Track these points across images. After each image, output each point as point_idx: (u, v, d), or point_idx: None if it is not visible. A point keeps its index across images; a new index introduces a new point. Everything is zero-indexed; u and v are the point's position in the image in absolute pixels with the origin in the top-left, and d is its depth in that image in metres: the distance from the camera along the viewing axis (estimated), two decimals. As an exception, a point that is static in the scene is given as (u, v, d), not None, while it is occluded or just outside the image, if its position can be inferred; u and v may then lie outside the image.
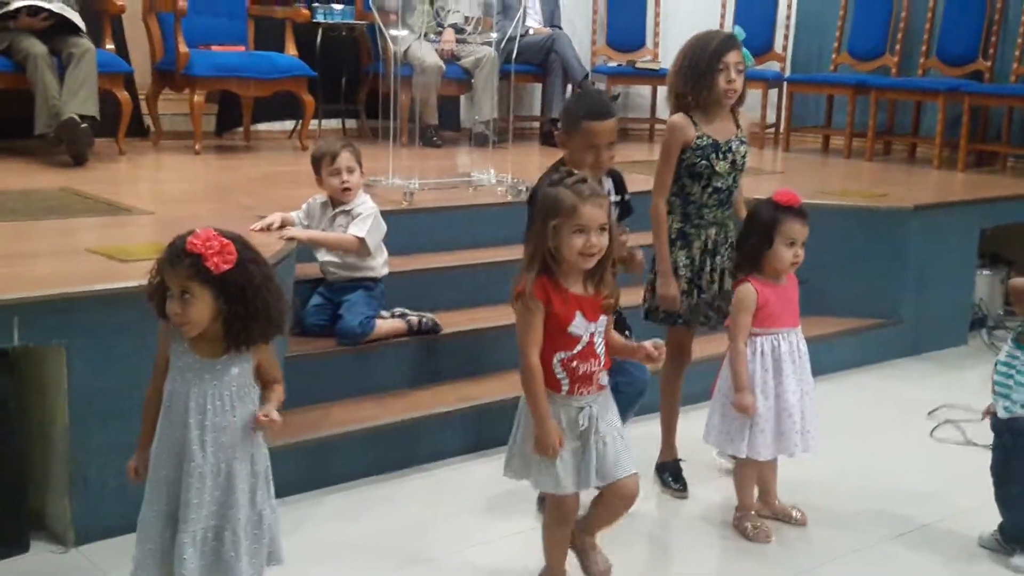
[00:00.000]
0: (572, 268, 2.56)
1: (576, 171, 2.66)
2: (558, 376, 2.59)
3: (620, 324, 3.04)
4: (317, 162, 3.78)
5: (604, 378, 2.64)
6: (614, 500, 2.73)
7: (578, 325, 2.57)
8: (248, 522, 2.29)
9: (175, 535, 2.25)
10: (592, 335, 2.59)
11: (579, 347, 2.57)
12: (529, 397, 2.58)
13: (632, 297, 3.35)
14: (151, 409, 2.31)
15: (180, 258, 2.16)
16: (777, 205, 3.12)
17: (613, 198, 3.15)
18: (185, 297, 2.16)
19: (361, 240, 3.73)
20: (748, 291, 3.13)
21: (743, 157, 3.37)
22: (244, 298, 2.19)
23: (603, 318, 2.62)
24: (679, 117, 3.32)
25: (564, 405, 2.60)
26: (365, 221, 3.74)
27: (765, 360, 3.14)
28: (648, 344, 2.68)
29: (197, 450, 2.23)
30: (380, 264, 3.86)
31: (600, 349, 2.62)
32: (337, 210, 3.80)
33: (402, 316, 3.89)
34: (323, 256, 3.86)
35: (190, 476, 2.23)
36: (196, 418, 2.24)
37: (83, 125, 5.12)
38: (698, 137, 3.30)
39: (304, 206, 3.87)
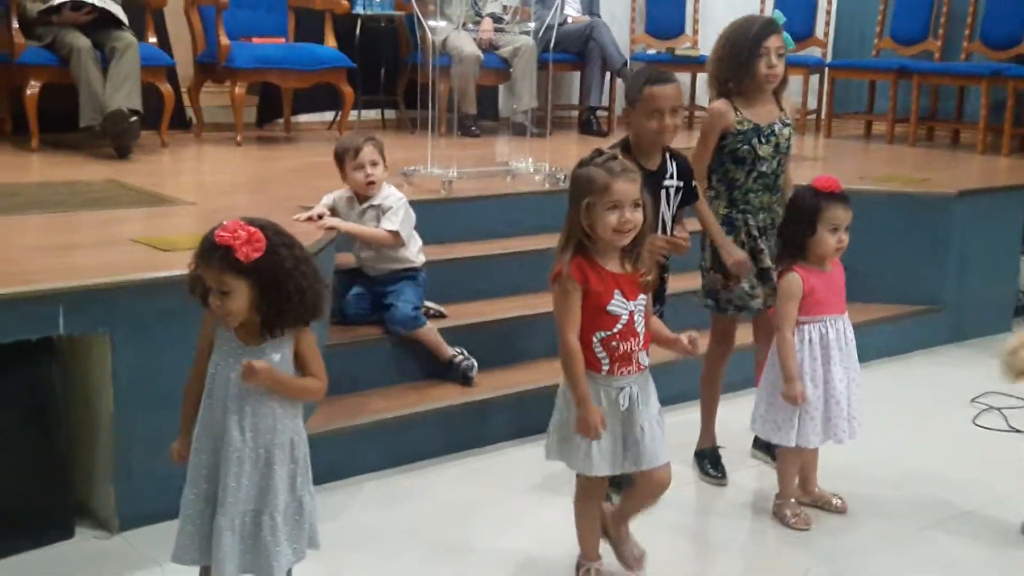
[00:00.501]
0: (608, 246, 2.57)
1: (613, 153, 2.64)
2: (598, 356, 2.58)
3: (657, 296, 3.04)
4: (340, 158, 3.77)
5: (644, 358, 2.64)
6: (646, 488, 2.74)
7: (617, 304, 2.57)
8: (288, 508, 2.32)
9: (214, 518, 2.28)
10: (631, 314, 2.58)
11: (619, 326, 2.57)
12: (569, 379, 2.59)
13: (676, 283, 3.36)
14: (193, 393, 2.35)
15: (211, 252, 2.18)
16: (818, 191, 3.10)
17: (676, 183, 3.15)
18: (222, 290, 2.19)
19: (395, 234, 3.73)
20: (793, 279, 3.12)
21: (787, 140, 3.36)
22: (276, 283, 2.21)
23: (643, 296, 2.61)
24: (720, 103, 3.32)
25: (604, 385, 2.60)
26: (396, 214, 3.74)
27: (813, 348, 3.12)
28: (684, 338, 2.67)
29: (236, 434, 2.26)
30: (415, 252, 3.86)
31: (640, 328, 2.61)
32: (365, 205, 3.78)
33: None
34: (361, 252, 3.86)
35: (228, 460, 2.26)
36: (236, 402, 2.27)
37: (132, 119, 5.18)
38: (739, 122, 3.29)
39: (327, 199, 3.84)
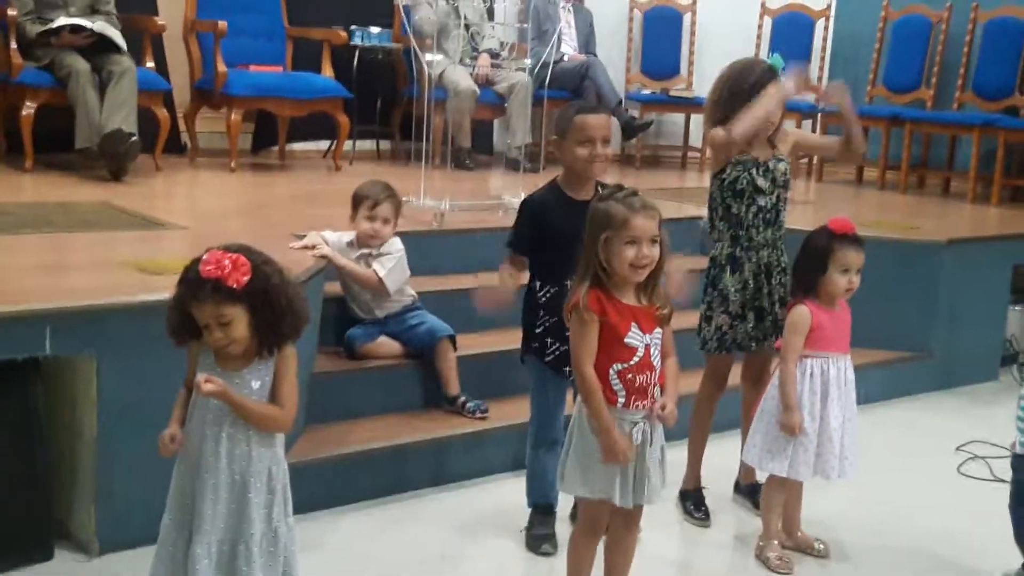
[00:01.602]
0: (624, 280, 2.57)
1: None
2: (615, 388, 2.57)
3: None
4: (357, 201, 3.77)
5: (659, 393, 2.63)
6: (618, 524, 2.73)
7: (634, 336, 2.56)
8: (263, 538, 2.30)
9: (189, 546, 2.27)
10: (648, 347, 2.58)
11: (636, 359, 2.56)
12: (590, 409, 2.57)
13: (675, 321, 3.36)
14: (183, 398, 2.34)
15: (202, 288, 2.18)
16: (832, 233, 3.13)
17: None
18: (223, 323, 2.20)
19: (380, 280, 3.73)
20: (803, 313, 3.14)
21: (783, 174, 3.38)
22: (268, 300, 2.23)
23: (658, 330, 2.61)
24: (718, 129, 3.34)
25: (619, 419, 2.58)
26: (389, 260, 3.75)
27: (814, 382, 3.14)
28: (657, 406, 2.61)
29: (212, 460, 2.26)
30: (407, 296, 3.90)
31: (656, 362, 2.60)
32: (363, 251, 3.78)
33: None
34: (360, 295, 3.85)
35: (204, 487, 2.26)
36: (213, 429, 2.26)
37: (132, 139, 5.19)
38: (738, 154, 3.31)
39: (335, 236, 3.83)
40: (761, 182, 3.33)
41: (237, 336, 2.21)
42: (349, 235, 3.84)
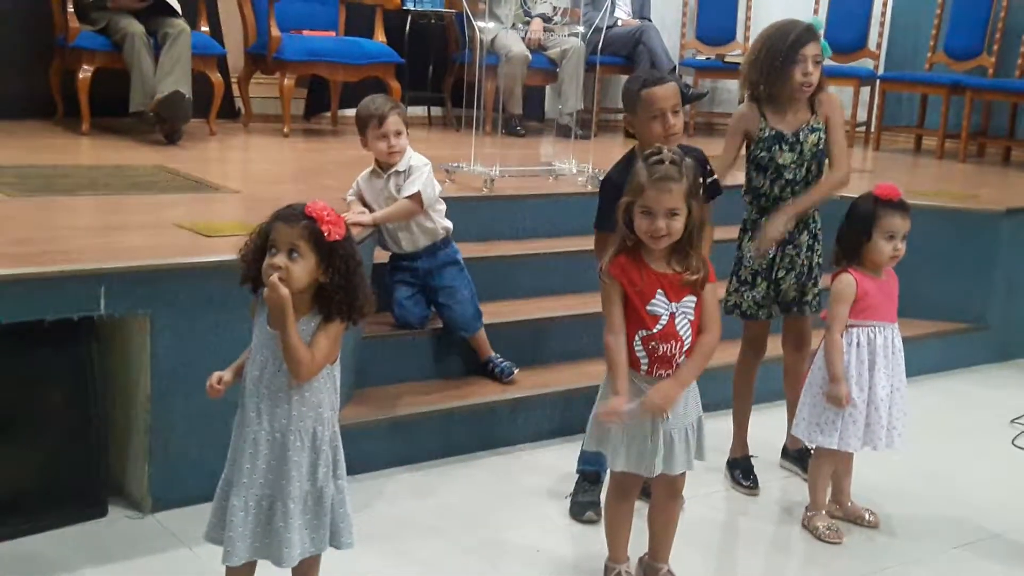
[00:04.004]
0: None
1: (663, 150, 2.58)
2: (638, 355, 2.57)
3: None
4: (363, 124, 3.59)
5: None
6: (659, 493, 2.74)
7: (658, 304, 2.54)
8: (306, 497, 2.31)
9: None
10: (672, 315, 2.55)
11: (659, 327, 2.54)
12: (607, 369, 2.59)
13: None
14: (247, 352, 2.35)
15: (297, 218, 2.22)
16: (877, 199, 3.08)
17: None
18: (293, 255, 2.21)
19: (415, 197, 3.59)
20: (848, 281, 3.09)
21: (814, 145, 3.30)
22: (347, 270, 2.25)
23: (688, 299, 2.56)
24: (744, 106, 3.33)
25: (642, 385, 2.57)
26: (418, 179, 3.59)
27: (860, 352, 3.09)
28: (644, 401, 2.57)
29: (254, 416, 2.28)
30: (441, 216, 3.74)
31: (684, 331, 2.56)
32: (388, 173, 3.63)
33: None
34: (390, 231, 3.76)
35: (244, 441, 2.29)
36: (255, 386, 2.29)
37: (187, 99, 5.22)
38: (761, 129, 3.27)
39: (353, 187, 3.74)
40: (786, 157, 3.27)
41: (296, 273, 2.21)
42: (369, 168, 3.71)
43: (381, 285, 3.82)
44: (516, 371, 3.82)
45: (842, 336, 3.09)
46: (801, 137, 3.29)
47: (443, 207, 3.78)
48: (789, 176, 3.30)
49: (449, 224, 3.78)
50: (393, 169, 3.64)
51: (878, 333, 3.10)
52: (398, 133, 3.59)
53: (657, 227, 2.48)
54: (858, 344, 3.09)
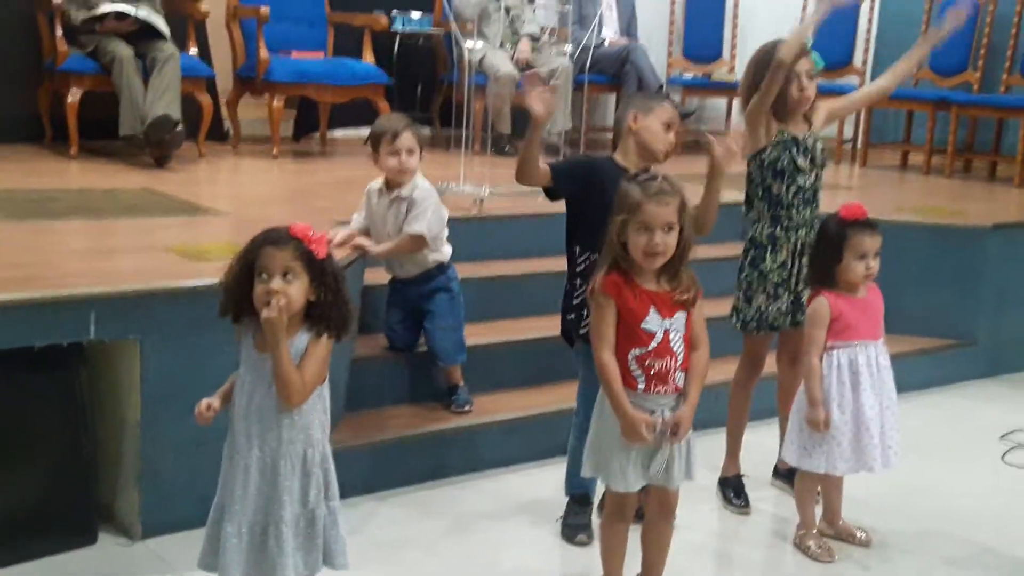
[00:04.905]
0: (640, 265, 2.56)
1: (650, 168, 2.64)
2: (634, 373, 2.57)
3: None
4: (376, 140, 3.58)
5: (681, 379, 2.61)
6: (653, 512, 2.74)
7: (651, 321, 2.55)
8: (298, 520, 2.32)
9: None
10: (667, 332, 2.57)
11: (653, 344, 2.56)
12: (607, 392, 2.58)
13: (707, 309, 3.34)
14: (234, 377, 2.37)
15: (284, 240, 2.25)
16: (843, 220, 3.09)
17: None
18: (288, 277, 2.23)
19: (419, 238, 3.58)
20: (820, 304, 3.10)
21: (821, 152, 3.39)
22: (336, 286, 2.28)
23: (680, 315, 2.58)
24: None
25: (639, 404, 2.58)
26: (423, 215, 3.58)
27: (842, 373, 3.10)
28: (667, 422, 2.59)
29: (244, 441, 2.29)
30: (439, 245, 3.72)
31: (677, 348, 2.58)
32: (393, 194, 3.61)
33: None
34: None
35: (236, 467, 2.29)
36: (245, 411, 2.29)
37: (178, 128, 5.23)
38: (780, 132, 3.31)
39: (361, 204, 3.74)
40: (801, 161, 3.33)
41: (293, 294, 2.23)
42: (375, 183, 3.68)
43: (371, 307, 3.84)
44: (469, 407, 3.74)
45: (822, 359, 3.09)
46: (809, 144, 3.36)
47: (445, 232, 3.78)
48: (802, 182, 3.34)
49: (444, 255, 3.75)
50: (398, 192, 3.61)
51: (860, 352, 3.11)
52: (410, 151, 3.58)
53: (655, 242, 2.50)
54: (839, 366, 3.09)
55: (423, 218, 3.58)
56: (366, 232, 3.72)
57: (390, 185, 3.64)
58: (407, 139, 3.57)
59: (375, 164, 3.64)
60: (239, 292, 2.28)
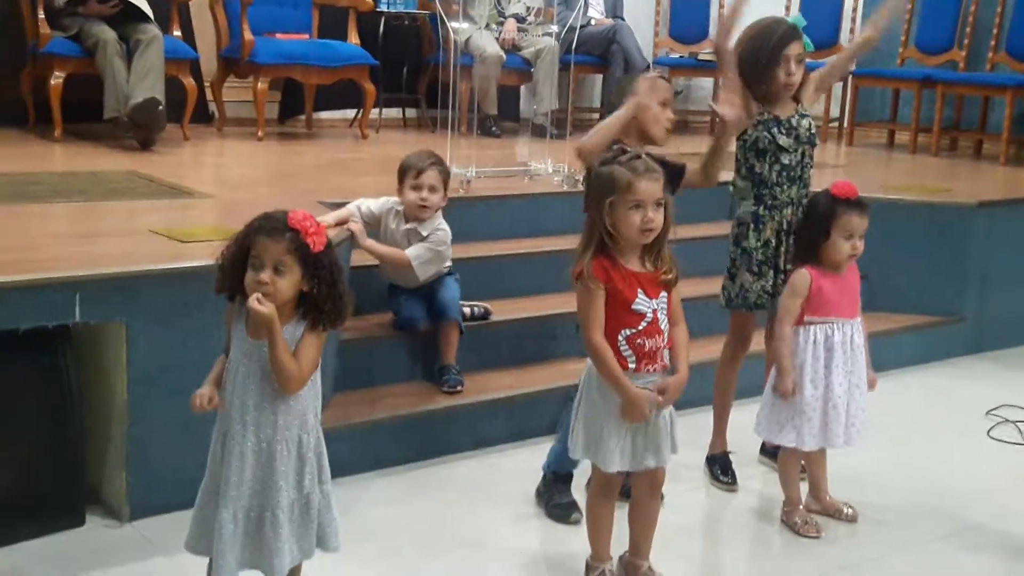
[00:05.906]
0: (629, 245, 2.57)
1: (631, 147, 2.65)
2: (624, 354, 2.58)
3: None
4: (402, 173, 3.65)
5: (667, 356, 2.64)
6: (641, 490, 2.75)
7: (641, 302, 2.57)
8: (293, 505, 2.32)
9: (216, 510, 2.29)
10: (655, 311, 2.59)
11: (643, 324, 2.57)
12: (603, 374, 2.59)
13: (693, 288, 3.34)
14: (221, 361, 2.35)
15: (280, 231, 2.20)
16: (834, 197, 3.09)
17: None
18: (280, 269, 2.20)
19: (408, 262, 3.65)
20: (802, 276, 3.11)
21: (808, 130, 3.35)
22: (332, 279, 2.25)
23: (663, 294, 2.61)
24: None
25: (635, 382, 2.58)
26: (427, 253, 3.66)
27: (817, 349, 3.11)
28: (658, 386, 2.62)
29: (239, 428, 2.27)
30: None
31: (664, 326, 2.61)
32: (410, 225, 3.69)
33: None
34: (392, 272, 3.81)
35: (230, 453, 2.28)
36: (240, 397, 2.28)
37: (161, 108, 5.20)
38: (760, 113, 3.29)
39: (380, 201, 3.75)
40: (784, 140, 3.30)
41: (282, 288, 2.20)
42: (399, 206, 3.72)
43: (360, 288, 3.82)
44: (460, 387, 3.73)
45: (791, 329, 3.10)
46: (794, 123, 3.32)
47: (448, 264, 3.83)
48: (786, 160, 3.31)
49: (445, 268, 3.80)
50: (416, 227, 3.68)
51: (836, 330, 3.12)
52: (432, 188, 3.64)
53: (649, 218, 2.51)
54: (815, 341, 3.10)
55: (425, 255, 3.67)
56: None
57: (407, 217, 3.70)
58: (431, 176, 3.64)
59: (398, 195, 3.70)
60: (234, 274, 2.26)
